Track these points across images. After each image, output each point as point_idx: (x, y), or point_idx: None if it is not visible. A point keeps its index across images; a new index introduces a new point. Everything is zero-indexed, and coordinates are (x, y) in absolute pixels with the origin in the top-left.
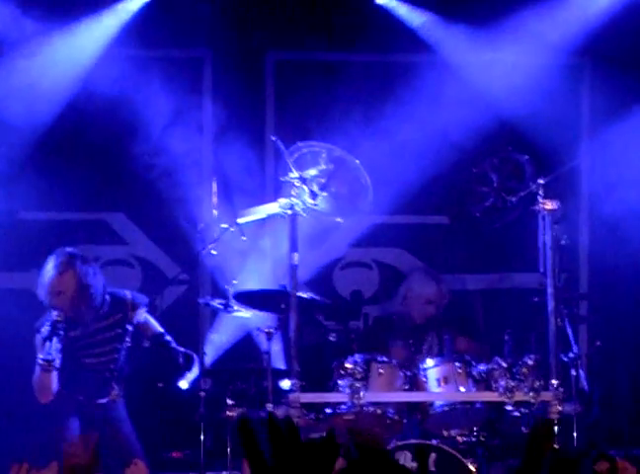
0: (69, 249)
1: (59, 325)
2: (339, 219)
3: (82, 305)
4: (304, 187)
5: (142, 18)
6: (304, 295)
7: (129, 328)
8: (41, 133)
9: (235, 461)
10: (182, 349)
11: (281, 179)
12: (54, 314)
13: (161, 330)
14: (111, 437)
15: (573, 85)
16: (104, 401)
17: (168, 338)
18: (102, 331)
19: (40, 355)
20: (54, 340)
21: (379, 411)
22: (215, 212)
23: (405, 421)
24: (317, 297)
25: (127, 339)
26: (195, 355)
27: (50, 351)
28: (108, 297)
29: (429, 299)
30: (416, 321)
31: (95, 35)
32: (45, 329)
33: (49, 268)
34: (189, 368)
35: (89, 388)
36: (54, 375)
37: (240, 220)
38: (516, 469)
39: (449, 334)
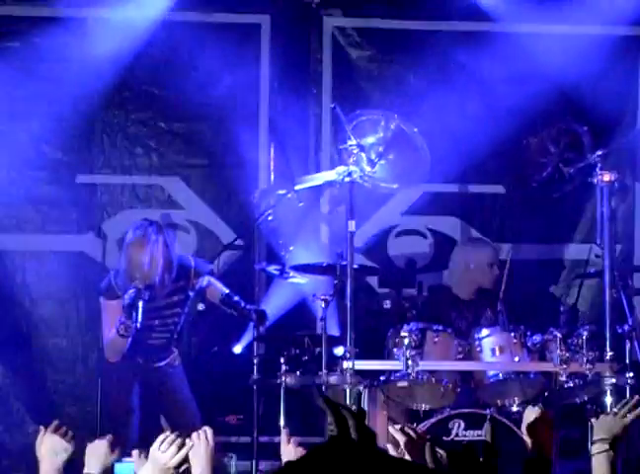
0: (153, 218)
1: (143, 293)
2: (395, 187)
3: (165, 274)
4: (362, 154)
5: None
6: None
7: (191, 294)
8: (100, 98)
9: (288, 426)
10: (252, 306)
11: (340, 146)
12: (138, 282)
13: (227, 290)
14: (169, 402)
15: (631, 55)
16: (162, 364)
17: (236, 298)
18: (166, 296)
19: (123, 320)
20: (140, 307)
21: (433, 379)
22: (273, 178)
23: (459, 390)
24: (372, 265)
25: (188, 304)
26: (266, 311)
27: (137, 318)
28: (175, 271)
29: (490, 262)
30: (467, 295)
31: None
32: (129, 296)
33: (134, 237)
34: (263, 324)
35: (149, 351)
36: (127, 341)
37: (298, 187)
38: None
39: (504, 304)
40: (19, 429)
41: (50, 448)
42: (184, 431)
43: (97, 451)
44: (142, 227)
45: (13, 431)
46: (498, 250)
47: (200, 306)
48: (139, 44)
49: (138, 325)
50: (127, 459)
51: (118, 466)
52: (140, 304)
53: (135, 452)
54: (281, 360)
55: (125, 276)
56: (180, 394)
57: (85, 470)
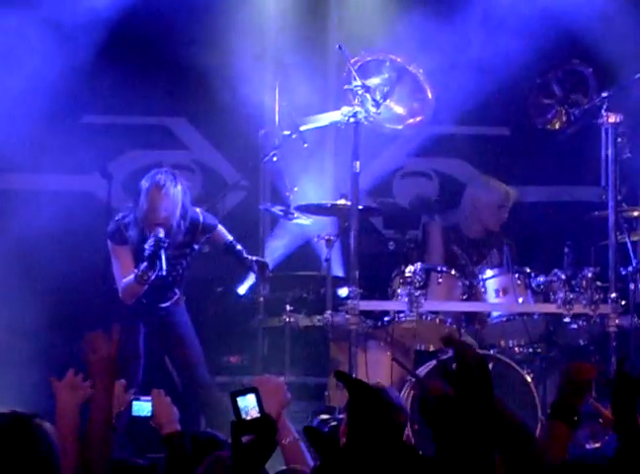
0: (170, 169)
1: (164, 241)
2: (400, 127)
3: (181, 221)
4: (367, 95)
5: None
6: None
7: (196, 247)
8: (104, 38)
9: (292, 367)
10: (254, 257)
11: (345, 87)
12: (159, 231)
13: (231, 238)
14: (174, 342)
15: None
16: (166, 305)
17: (239, 247)
18: (177, 247)
19: (145, 269)
20: (162, 255)
21: (437, 320)
22: (278, 119)
23: (463, 330)
24: (376, 206)
25: (193, 254)
26: (267, 262)
27: (161, 265)
28: (186, 223)
29: (500, 204)
30: (474, 234)
31: None
32: (149, 245)
33: (154, 183)
34: (264, 275)
35: (152, 292)
36: (143, 288)
37: (302, 127)
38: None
39: (509, 245)
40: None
41: (69, 384)
42: (186, 369)
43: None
44: (160, 173)
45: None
46: (510, 193)
47: (206, 248)
48: None
49: (164, 272)
50: (145, 397)
51: (136, 404)
52: (162, 253)
53: (155, 391)
54: (286, 301)
55: (143, 222)
56: (183, 331)
57: None
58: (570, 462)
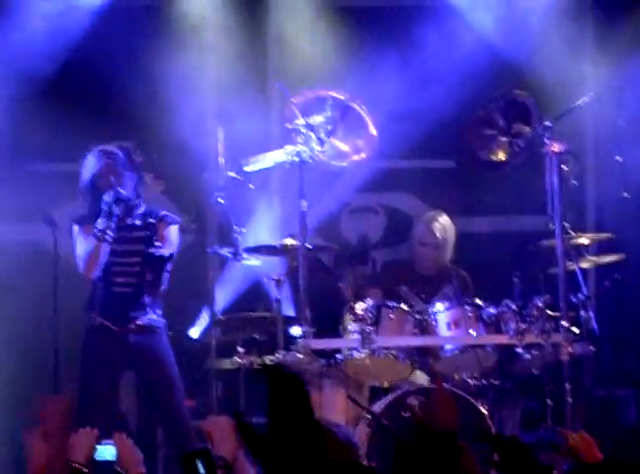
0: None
1: (120, 194)
2: (345, 164)
3: (134, 194)
4: (311, 133)
5: None
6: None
7: (155, 249)
8: (44, 85)
9: (248, 409)
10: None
11: (287, 126)
12: (111, 193)
13: (167, 254)
14: (149, 368)
15: (576, 24)
16: (137, 324)
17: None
18: (132, 229)
19: (98, 226)
20: (115, 212)
21: (391, 355)
22: (222, 161)
23: (416, 364)
24: (325, 244)
25: (154, 260)
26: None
27: (108, 224)
28: (143, 208)
29: (420, 240)
30: (424, 271)
31: None
32: (105, 201)
33: (93, 160)
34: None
35: (118, 309)
36: (105, 248)
37: (247, 168)
38: None
39: (461, 277)
40: None
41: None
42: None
43: (83, 440)
44: (96, 151)
45: None
46: (436, 230)
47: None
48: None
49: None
50: (107, 441)
51: (99, 448)
52: (115, 209)
53: (117, 435)
54: (238, 343)
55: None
56: (161, 355)
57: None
58: None
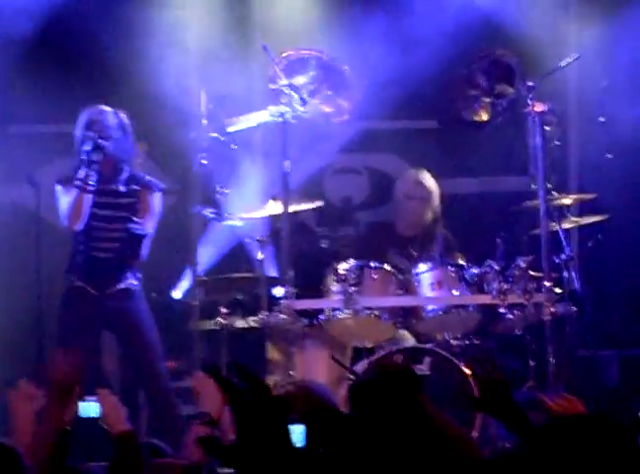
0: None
1: (94, 153)
2: (328, 124)
3: (119, 149)
4: (294, 94)
5: None
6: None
7: (139, 221)
8: (24, 45)
9: (229, 370)
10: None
11: (270, 86)
12: (90, 142)
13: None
14: (128, 331)
15: None
16: (117, 288)
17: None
18: (115, 195)
19: (79, 175)
20: (93, 163)
21: (373, 316)
22: (205, 122)
23: (399, 325)
24: (308, 204)
25: (132, 226)
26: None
27: (88, 173)
28: (127, 173)
29: (407, 194)
30: (409, 231)
31: None
32: (85, 150)
33: (83, 118)
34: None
35: (99, 276)
36: (88, 199)
37: (230, 129)
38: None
39: (443, 237)
40: None
41: (24, 396)
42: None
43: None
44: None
45: None
46: (425, 184)
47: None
48: None
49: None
50: (90, 397)
51: (82, 405)
52: (94, 156)
53: (101, 391)
54: (221, 304)
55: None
56: (139, 319)
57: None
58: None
